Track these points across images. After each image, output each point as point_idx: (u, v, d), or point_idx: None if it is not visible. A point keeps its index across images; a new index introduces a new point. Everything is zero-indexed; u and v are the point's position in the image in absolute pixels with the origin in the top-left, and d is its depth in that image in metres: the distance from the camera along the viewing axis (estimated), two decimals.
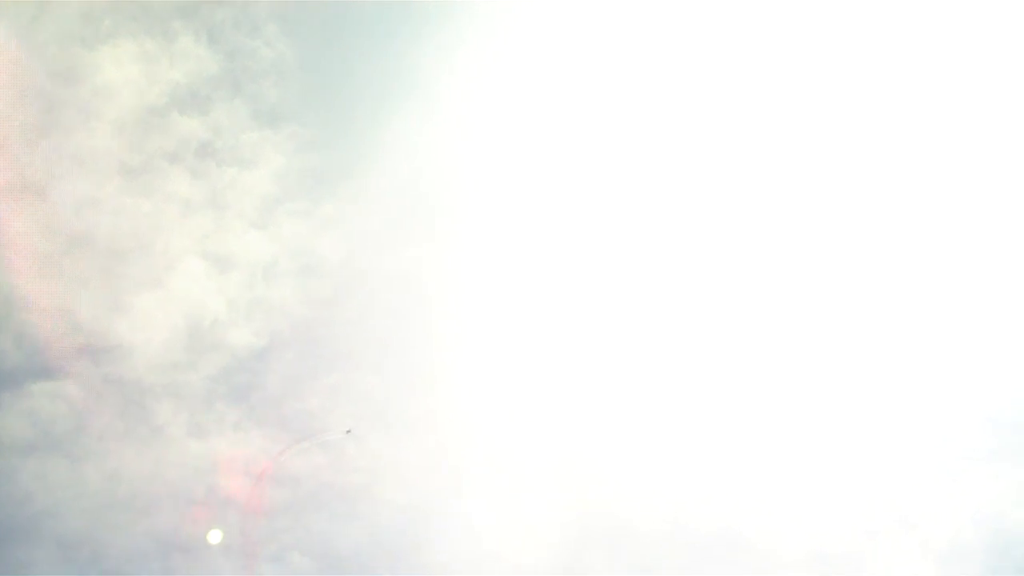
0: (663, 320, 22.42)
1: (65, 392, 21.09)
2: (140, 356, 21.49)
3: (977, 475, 21.01)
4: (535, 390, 22.43)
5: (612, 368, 22.39)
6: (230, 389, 21.94)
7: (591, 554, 21.64)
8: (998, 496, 20.86)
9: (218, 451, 21.67)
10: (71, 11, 21.13)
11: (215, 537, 21.23)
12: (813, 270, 22.29)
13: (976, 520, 20.75)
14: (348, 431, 21.80)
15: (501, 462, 22.18)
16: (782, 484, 21.56)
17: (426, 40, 22.54)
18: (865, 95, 22.43)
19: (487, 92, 22.85)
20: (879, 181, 22.39)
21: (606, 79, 22.90)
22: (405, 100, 22.53)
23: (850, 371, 21.85)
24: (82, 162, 21.22)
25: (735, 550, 21.31)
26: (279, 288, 22.27)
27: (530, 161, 22.94)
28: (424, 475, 22.03)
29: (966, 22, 21.97)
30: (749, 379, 22.03)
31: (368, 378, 22.33)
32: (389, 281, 22.60)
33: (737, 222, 22.65)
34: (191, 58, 21.82)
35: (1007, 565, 20.35)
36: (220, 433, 21.76)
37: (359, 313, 22.53)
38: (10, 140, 20.98)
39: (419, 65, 22.58)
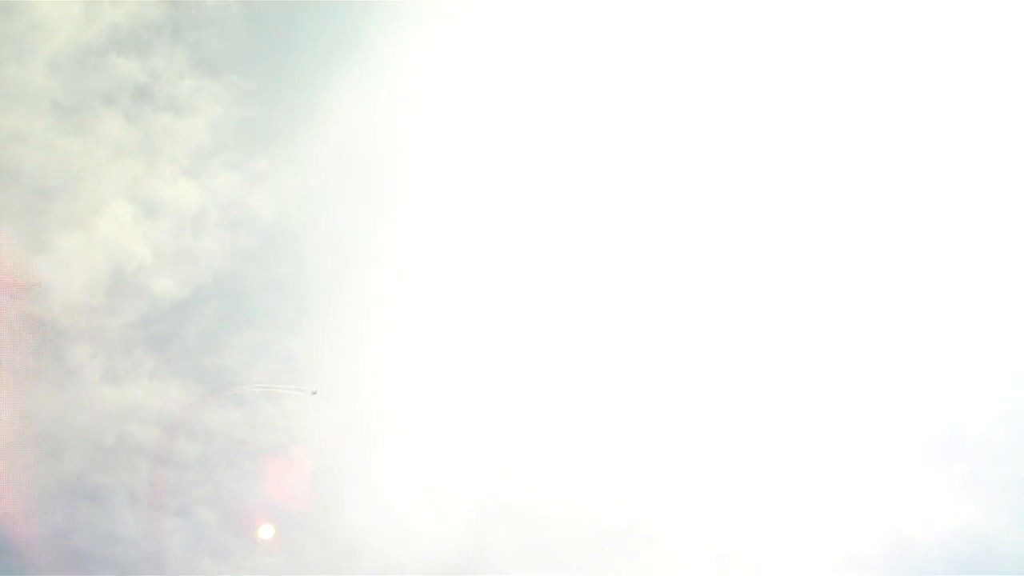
0: (579, 310, 22.23)
1: None
2: (59, 296, 21.27)
3: (879, 482, 20.95)
4: (457, 370, 22.26)
5: (532, 359, 22.20)
6: (149, 337, 21.72)
7: (498, 537, 21.51)
8: (898, 504, 20.79)
9: (132, 398, 21.49)
10: None
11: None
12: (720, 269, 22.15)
13: (876, 526, 20.72)
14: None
15: (417, 438, 22.04)
16: (687, 481, 21.44)
17: (376, 2, 22.34)
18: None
19: (433, 61, 22.61)
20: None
21: (560, 54, 22.62)
22: (350, 61, 22.25)
23: (757, 372, 21.67)
24: (13, 96, 21.02)
25: (640, 545, 21.25)
26: (206, 240, 22.03)
27: (472, 132, 22.73)
28: (339, 442, 21.87)
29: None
30: (657, 376, 21.84)
31: (290, 339, 22.12)
32: (319, 243, 22.36)
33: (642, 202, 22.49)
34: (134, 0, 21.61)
35: (903, 571, 20.35)
36: (135, 380, 21.56)
37: (286, 273, 22.28)
38: None
39: (367, 27, 22.30)
